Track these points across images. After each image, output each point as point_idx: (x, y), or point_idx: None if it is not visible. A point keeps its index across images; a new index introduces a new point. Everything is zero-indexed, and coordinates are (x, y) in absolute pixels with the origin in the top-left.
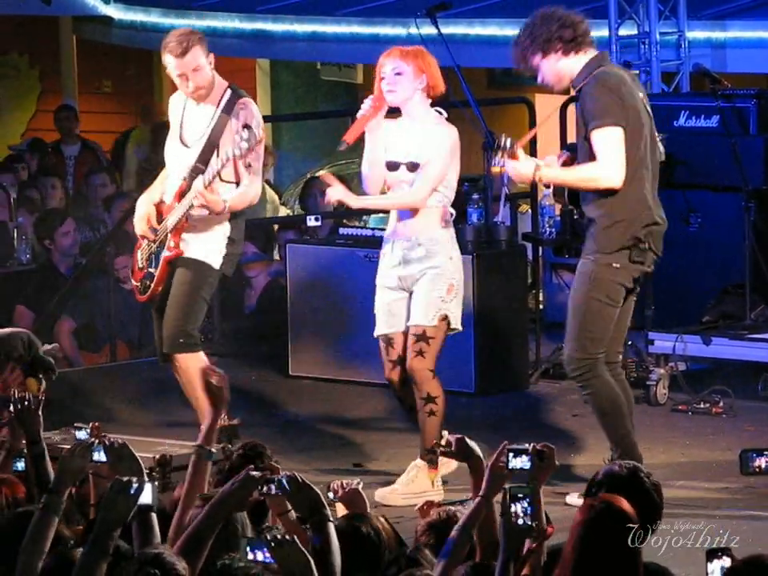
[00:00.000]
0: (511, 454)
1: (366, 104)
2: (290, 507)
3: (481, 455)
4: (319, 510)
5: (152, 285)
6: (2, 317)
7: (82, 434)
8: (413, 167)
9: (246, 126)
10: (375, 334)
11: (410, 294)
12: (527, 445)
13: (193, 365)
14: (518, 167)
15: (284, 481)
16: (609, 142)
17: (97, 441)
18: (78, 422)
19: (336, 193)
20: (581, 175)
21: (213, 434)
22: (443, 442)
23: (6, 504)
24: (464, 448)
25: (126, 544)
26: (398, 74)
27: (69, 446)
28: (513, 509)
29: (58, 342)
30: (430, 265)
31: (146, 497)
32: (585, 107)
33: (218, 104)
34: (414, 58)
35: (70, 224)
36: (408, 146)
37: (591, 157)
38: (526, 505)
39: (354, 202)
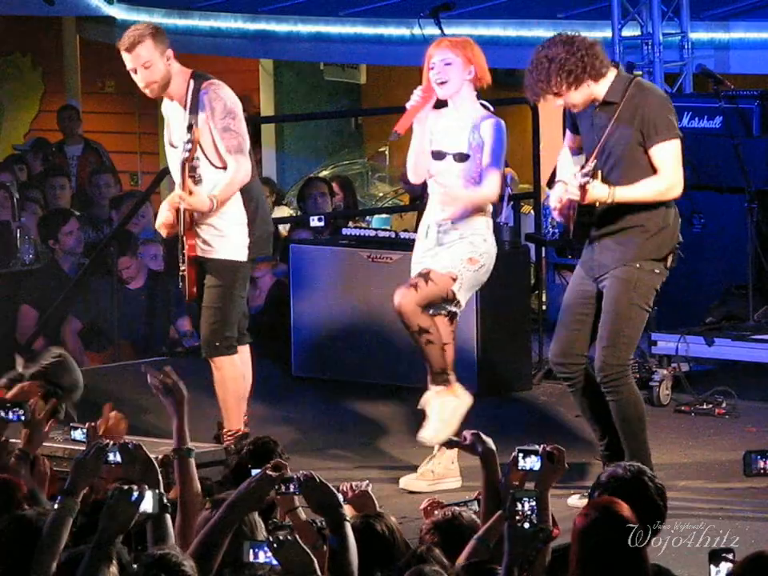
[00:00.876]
0: (521, 455)
1: (416, 94)
2: (297, 504)
3: (494, 448)
4: (336, 509)
5: (186, 285)
6: (6, 316)
7: (77, 434)
8: (461, 158)
9: (189, 127)
10: None
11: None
12: (537, 446)
13: (228, 367)
14: (593, 192)
15: (301, 480)
16: (674, 155)
17: (112, 442)
18: (83, 422)
19: None
20: (652, 191)
21: (184, 432)
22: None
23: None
24: (478, 441)
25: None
26: (448, 64)
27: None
28: (518, 513)
29: (64, 342)
30: (463, 238)
31: (147, 504)
32: (646, 118)
33: (186, 97)
34: (463, 49)
35: (74, 224)
36: (456, 136)
37: (642, 166)
38: (530, 509)
39: None
